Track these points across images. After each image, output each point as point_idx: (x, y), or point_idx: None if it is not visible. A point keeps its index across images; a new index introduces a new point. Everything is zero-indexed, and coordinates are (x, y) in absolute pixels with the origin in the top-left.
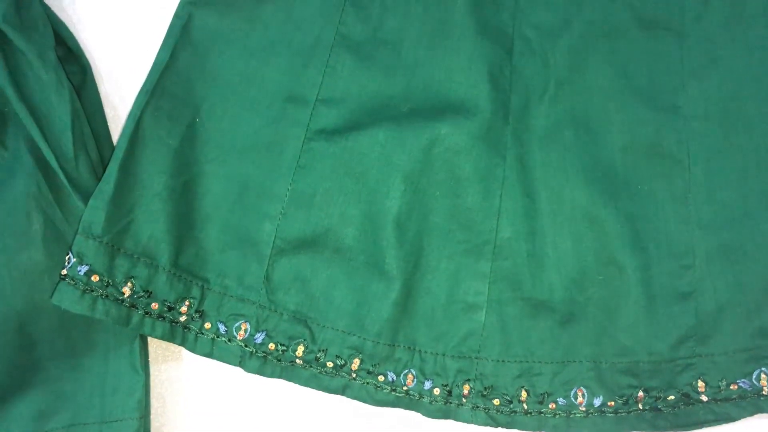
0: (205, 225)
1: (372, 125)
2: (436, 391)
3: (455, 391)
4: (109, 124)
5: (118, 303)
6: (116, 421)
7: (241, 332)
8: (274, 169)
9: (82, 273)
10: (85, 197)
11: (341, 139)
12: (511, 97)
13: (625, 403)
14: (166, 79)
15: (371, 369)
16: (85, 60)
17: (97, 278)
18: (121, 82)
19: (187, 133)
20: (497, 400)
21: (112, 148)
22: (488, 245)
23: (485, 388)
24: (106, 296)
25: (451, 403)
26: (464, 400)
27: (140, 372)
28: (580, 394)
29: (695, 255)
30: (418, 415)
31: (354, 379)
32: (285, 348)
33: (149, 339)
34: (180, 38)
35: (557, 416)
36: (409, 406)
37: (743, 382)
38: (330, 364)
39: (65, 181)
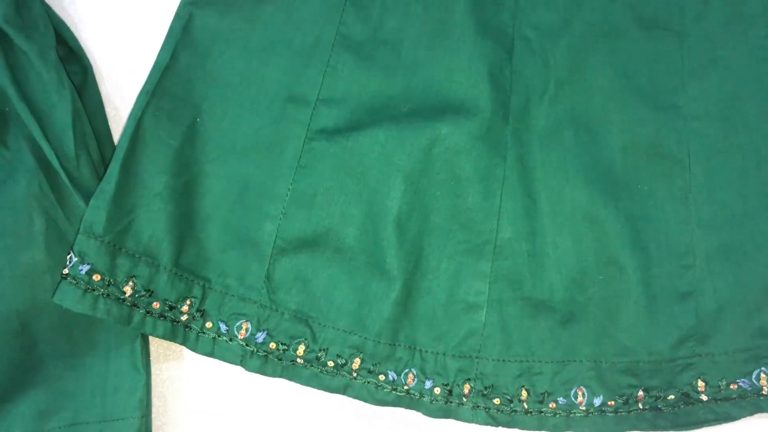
0: (206, 225)
1: (372, 125)
2: (437, 390)
3: (456, 391)
4: (110, 123)
5: (119, 302)
6: (118, 420)
7: (242, 331)
8: (275, 169)
9: (83, 272)
10: (87, 197)
11: (342, 138)
12: (512, 97)
13: (625, 402)
14: (167, 79)
15: (372, 368)
16: (86, 60)
17: (99, 277)
18: (121, 82)
19: (188, 133)
20: (498, 399)
21: (113, 147)
22: (489, 245)
23: (486, 388)
24: (108, 295)
25: (451, 402)
26: (465, 399)
27: (141, 371)
28: (580, 393)
29: (695, 255)
30: (419, 414)
31: (355, 378)
32: (286, 347)
33: (150, 338)
34: (181, 38)
35: (557, 416)
36: (409, 405)
37: (743, 382)
38: (331, 364)
39: (67, 181)
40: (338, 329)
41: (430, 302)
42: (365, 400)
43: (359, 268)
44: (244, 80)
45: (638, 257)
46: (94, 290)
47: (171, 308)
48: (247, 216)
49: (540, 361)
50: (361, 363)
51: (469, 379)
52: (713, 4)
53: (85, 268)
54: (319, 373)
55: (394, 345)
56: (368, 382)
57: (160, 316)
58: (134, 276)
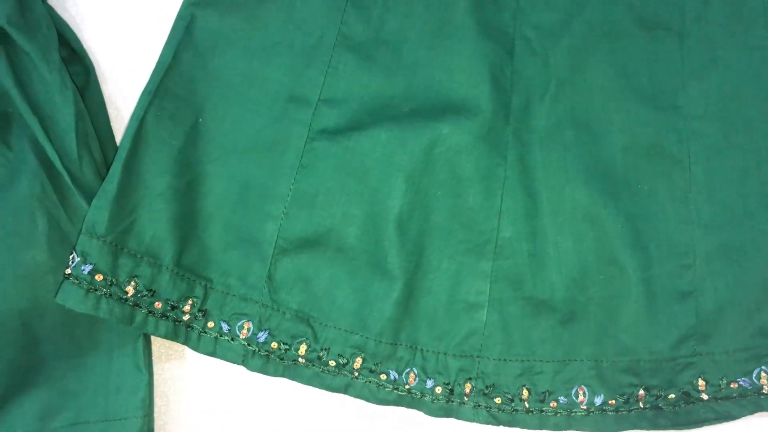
0: (208, 225)
1: (374, 125)
2: (438, 389)
3: (457, 390)
4: (112, 124)
5: (121, 302)
6: (120, 419)
7: (244, 331)
8: (277, 169)
9: (85, 272)
10: (89, 197)
11: (343, 139)
12: (512, 97)
13: (626, 401)
14: (169, 79)
15: (373, 368)
16: (89, 61)
17: (101, 277)
18: (124, 83)
19: (190, 133)
20: (499, 398)
21: (116, 148)
22: (489, 245)
23: (487, 387)
24: (110, 295)
25: (452, 401)
26: (466, 398)
27: (144, 371)
28: (581, 392)
29: (695, 254)
30: (420, 414)
31: (356, 377)
32: (288, 347)
33: (152, 338)
34: (183, 39)
35: (558, 415)
36: (411, 404)
37: (743, 381)
38: (332, 363)
39: (69, 181)
40: (340, 329)
41: (431, 302)
42: (367, 400)
43: (360, 268)
44: (246, 80)
45: (638, 257)
46: (96, 290)
47: (173, 308)
48: (249, 216)
49: (541, 361)
50: (363, 362)
51: (470, 379)
52: (713, 5)
53: (87, 268)
54: (320, 373)
55: (396, 344)
56: (370, 382)
57: (162, 316)
58: (136, 276)
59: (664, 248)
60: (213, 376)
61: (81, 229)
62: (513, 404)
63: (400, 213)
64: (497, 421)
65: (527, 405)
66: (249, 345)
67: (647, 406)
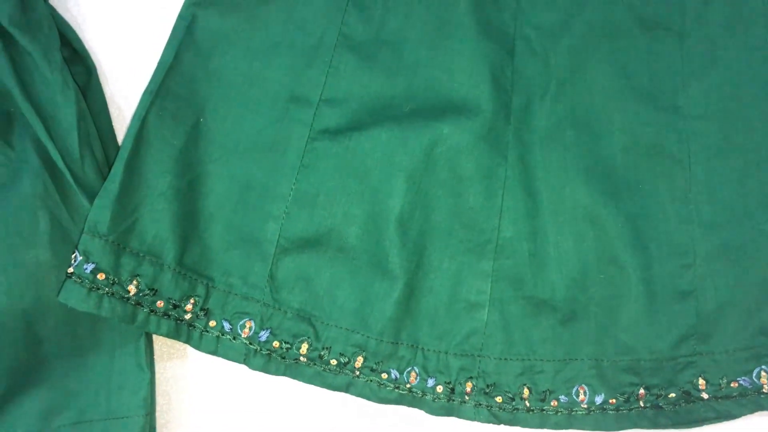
0: (210, 224)
1: (374, 125)
2: (439, 388)
3: (458, 389)
4: (113, 124)
5: (123, 301)
6: (122, 418)
7: (246, 330)
8: (278, 169)
9: (88, 271)
10: (91, 196)
11: (344, 139)
12: (513, 97)
13: (627, 400)
14: (171, 79)
15: (375, 366)
16: (90, 61)
17: (103, 276)
18: (125, 83)
19: (192, 133)
20: (500, 397)
21: (117, 147)
22: (490, 244)
23: (488, 386)
24: (112, 294)
25: (453, 400)
26: (467, 397)
27: (146, 369)
28: (581, 391)
29: (696, 254)
30: (421, 413)
31: (357, 376)
32: (289, 346)
33: (154, 337)
34: (184, 39)
35: (559, 414)
36: (412, 403)
37: (744, 380)
38: (334, 362)
39: (71, 181)
40: (341, 328)
41: (433, 301)
42: (368, 399)
43: (362, 268)
44: (247, 80)
45: (639, 256)
46: (98, 289)
47: (175, 307)
48: (250, 216)
49: (541, 360)
50: (364, 361)
51: (471, 378)
52: (713, 5)
53: (89, 267)
54: (322, 372)
55: (397, 343)
56: (371, 381)
57: (164, 315)
58: (138, 275)
59: (665, 248)
60: (215, 375)
61: (83, 229)
62: (514, 403)
63: (401, 213)
64: (498, 420)
65: (528, 404)
66: (251, 344)
67: (648, 405)
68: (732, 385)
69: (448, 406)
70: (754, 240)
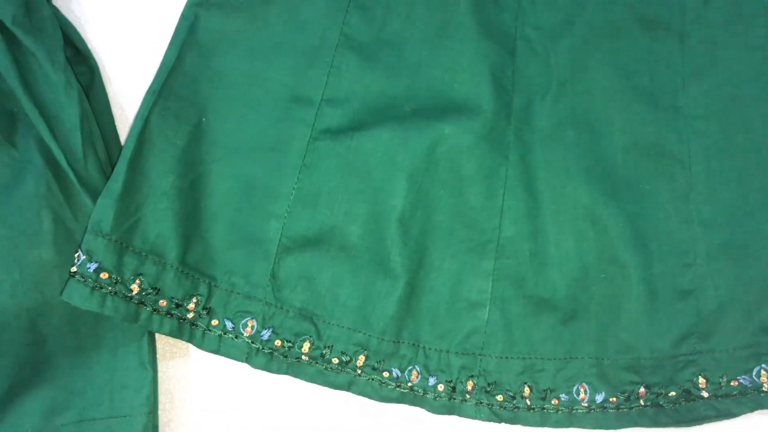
0: (212, 224)
1: (376, 125)
2: (440, 387)
3: (459, 387)
4: (116, 123)
5: (126, 300)
6: (125, 416)
7: (248, 329)
8: (280, 169)
9: (91, 270)
10: (94, 196)
11: (346, 138)
12: (514, 97)
13: (627, 399)
14: (173, 79)
15: (376, 365)
16: (93, 61)
17: (106, 275)
18: (128, 83)
19: (194, 133)
20: (500, 396)
21: (120, 147)
22: (491, 244)
23: (489, 385)
24: (115, 293)
25: (454, 399)
26: (468, 396)
27: (148, 368)
28: (582, 390)
29: (696, 253)
30: (423, 411)
31: (359, 375)
32: (291, 344)
33: (157, 336)
34: (186, 39)
35: (560, 412)
36: (413, 402)
37: (744, 379)
38: (335, 361)
39: (74, 180)
40: (343, 327)
41: (434, 300)
42: (369, 397)
43: (363, 267)
44: (249, 81)
45: (640, 256)
46: (101, 288)
47: (177, 306)
48: (253, 215)
49: (542, 359)
50: (366, 360)
51: (472, 376)
52: (713, 5)
53: (92, 266)
54: (323, 370)
55: (398, 342)
56: (372, 379)
57: (166, 314)
58: (141, 274)
59: (665, 247)
60: (217, 373)
61: (86, 228)
62: (515, 401)
63: (403, 212)
64: (499, 419)
65: (529, 402)
66: (253, 343)
67: (648, 404)
68: (732, 383)
69: (449, 404)
70: (755, 239)
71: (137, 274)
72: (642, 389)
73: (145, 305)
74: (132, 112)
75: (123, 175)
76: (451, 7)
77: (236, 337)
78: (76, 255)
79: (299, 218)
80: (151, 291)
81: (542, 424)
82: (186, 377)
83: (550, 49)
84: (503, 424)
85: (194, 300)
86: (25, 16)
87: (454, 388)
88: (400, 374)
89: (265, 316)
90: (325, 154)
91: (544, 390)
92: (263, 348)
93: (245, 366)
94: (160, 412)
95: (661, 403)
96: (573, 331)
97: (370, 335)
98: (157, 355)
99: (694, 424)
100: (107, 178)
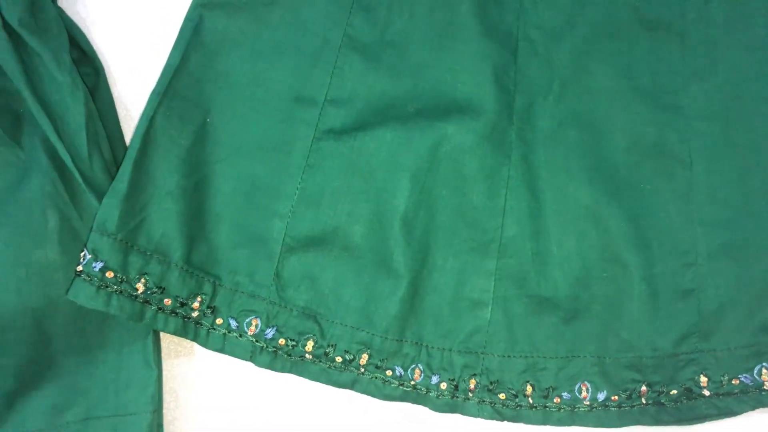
0: (217, 223)
1: (379, 125)
2: (443, 385)
3: (462, 386)
4: (121, 124)
5: (131, 299)
6: (130, 414)
7: (252, 328)
8: (283, 169)
9: (96, 269)
10: (100, 195)
11: (349, 138)
12: (516, 97)
13: (629, 397)
14: (178, 80)
15: (379, 364)
16: (99, 62)
17: (112, 274)
18: (133, 84)
19: (199, 133)
20: (503, 394)
21: (125, 147)
22: (494, 243)
23: (491, 383)
24: (120, 292)
25: (457, 397)
26: (470, 394)
27: (153, 367)
28: (584, 388)
29: (698, 253)
30: (426, 409)
31: (362, 373)
32: (295, 343)
33: (162, 334)
34: (191, 40)
35: (562, 410)
36: (416, 400)
37: (745, 377)
38: (339, 359)
39: (80, 180)
40: (346, 326)
41: (437, 299)
42: (373, 395)
43: (366, 266)
44: (253, 81)
45: (641, 255)
46: (107, 287)
47: (182, 305)
48: (257, 215)
49: (544, 357)
50: (369, 359)
51: (474, 375)
52: (714, 5)
53: (98, 265)
54: (327, 369)
55: (401, 341)
56: (376, 378)
57: (171, 313)
58: (146, 273)
59: (667, 247)
60: (221, 372)
61: (92, 227)
62: (517, 400)
63: (406, 212)
64: (501, 417)
65: (531, 401)
66: (257, 341)
67: (649, 402)
68: (733, 382)
69: (452, 402)
70: (756, 239)
71: (142, 273)
72: (644, 388)
73: (150, 304)
74: (137, 113)
75: (128, 175)
76: (453, 7)
77: (240, 335)
78: (82, 254)
79: (303, 218)
80: (156, 290)
81: (544, 423)
82: (191, 376)
83: (552, 49)
84: (506, 422)
85: (199, 299)
86: (30, 18)
87: (456, 387)
88: (403, 373)
89: (269, 315)
90: (328, 155)
91: (547, 388)
92: (267, 346)
93: (249, 364)
94: (164, 411)
95: (662, 401)
96: (575, 330)
97: (373, 334)
98: (162, 354)
99: (696, 423)
100: (112, 178)
